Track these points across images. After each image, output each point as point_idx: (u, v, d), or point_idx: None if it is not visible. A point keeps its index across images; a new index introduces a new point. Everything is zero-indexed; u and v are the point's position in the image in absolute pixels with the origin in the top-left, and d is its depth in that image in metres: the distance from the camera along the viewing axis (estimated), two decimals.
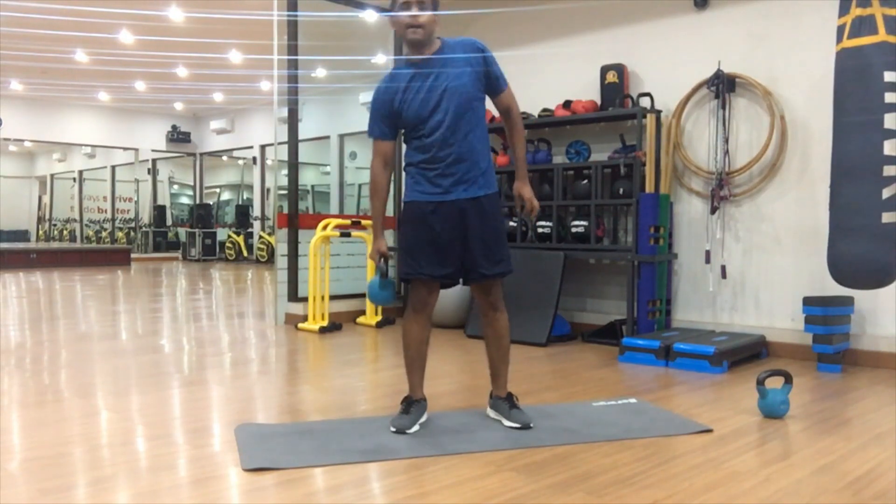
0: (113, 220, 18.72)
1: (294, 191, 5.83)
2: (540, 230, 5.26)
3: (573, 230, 5.13)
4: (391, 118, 2.80)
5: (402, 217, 2.88)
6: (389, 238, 6.38)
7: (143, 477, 2.27)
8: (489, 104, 2.91)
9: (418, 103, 2.74)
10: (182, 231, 17.19)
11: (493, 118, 5.09)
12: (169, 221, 17.91)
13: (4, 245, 15.95)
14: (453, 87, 2.73)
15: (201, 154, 17.35)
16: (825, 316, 4.06)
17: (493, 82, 2.83)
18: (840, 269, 3.46)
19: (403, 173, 2.97)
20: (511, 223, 5.37)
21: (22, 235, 21.03)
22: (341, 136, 10.17)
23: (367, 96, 8.36)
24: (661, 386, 3.70)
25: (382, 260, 2.85)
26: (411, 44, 2.75)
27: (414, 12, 2.68)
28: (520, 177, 2.94)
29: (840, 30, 3.44)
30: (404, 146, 2.91)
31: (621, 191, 4.92)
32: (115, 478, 2.26)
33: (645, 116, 4.82)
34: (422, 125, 2.75)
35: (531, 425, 2.79)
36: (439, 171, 2.76)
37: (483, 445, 2.59)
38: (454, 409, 3.13)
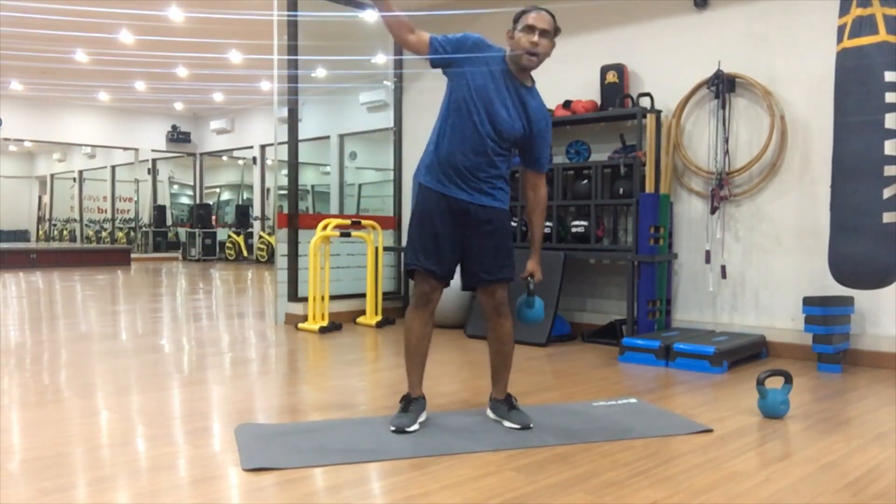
0: (113, 220, 18.71)
1: (294, 191, 5.83)
2: None
3: (573, 230, 5.13)
4: (454, 49, 2.75)
5: (413, 203, 2.86)
6: (389, 238, 6.39)
7: (143, 477, 2.27)
8: None
9: (490, 94, 2.72)
10: (182, 231, 17.18)
11: None
12: (169, 221, 17.90)
13: (4, 245, 15.96)
14: (520, 122, 2.77)
15: (201, 154, 17.33)
16: (825, 316, 4.06)
17: (534, 157, 2.87)
18: (841, 269, 3.46)
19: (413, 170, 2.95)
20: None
21: (22, 235, 21.02)
22: (341, 136, 10.14)
23: (366, 96, 8.34)
24: (661, 386, 3.70)
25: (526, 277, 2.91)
26: (521, 68, 2.76)
27: (535, 39, 2.71)
28: (533, 255, 2.94)
29: (840, 30, 3.44)
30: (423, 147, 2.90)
31: (621, 191, 4.92)
32: (115, 478, 2.26)
33: (645, 116, 4.82)
34: (477, 110, 2.71)
35: (531, 425, 2.79)
36: (461, 166, 2.74)
37: (483, 445, 2.59)
38: (454, 409, 3.13)
